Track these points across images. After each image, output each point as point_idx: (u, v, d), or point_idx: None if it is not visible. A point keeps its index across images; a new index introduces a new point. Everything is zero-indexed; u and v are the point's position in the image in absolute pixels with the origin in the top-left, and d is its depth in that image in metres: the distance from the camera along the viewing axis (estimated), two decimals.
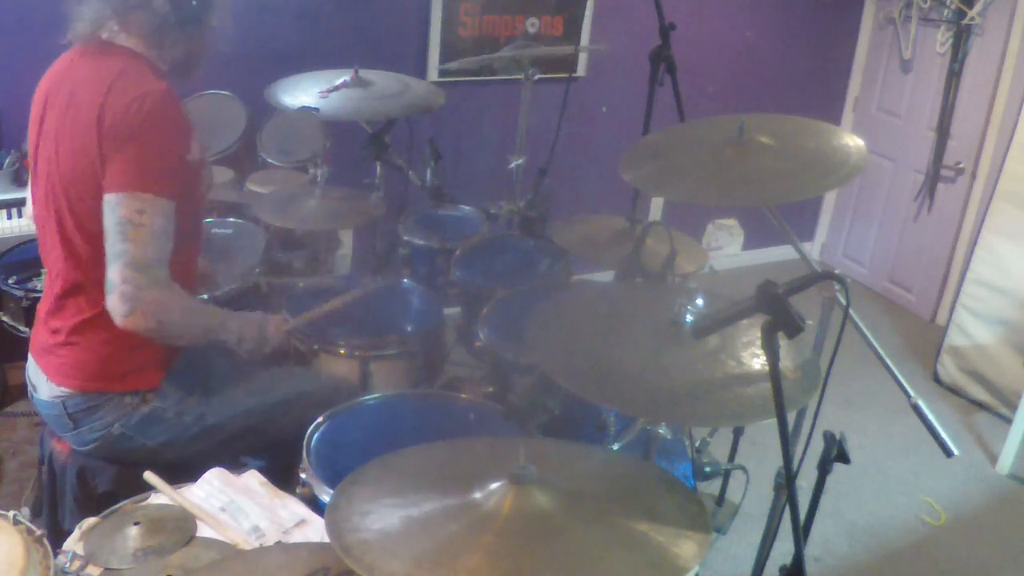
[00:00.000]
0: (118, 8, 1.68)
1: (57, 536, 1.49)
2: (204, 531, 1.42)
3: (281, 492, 1.55)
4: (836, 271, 1.48)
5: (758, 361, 1.51)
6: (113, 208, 1.62)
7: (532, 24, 3.61)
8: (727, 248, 4.66)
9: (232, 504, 1.49)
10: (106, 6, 1.68)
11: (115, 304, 1.62)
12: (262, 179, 2.83)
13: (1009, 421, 3.17)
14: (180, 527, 1.40)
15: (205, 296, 2.19)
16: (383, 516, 1.11)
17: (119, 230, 1.61)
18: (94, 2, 1.69)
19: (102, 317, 1.68)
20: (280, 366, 2.07)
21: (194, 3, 1.71)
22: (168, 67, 1.77)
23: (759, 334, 1.22)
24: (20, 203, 2.64)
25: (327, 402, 1.85)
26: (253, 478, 1.58)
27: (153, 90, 1.65)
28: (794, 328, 1.21)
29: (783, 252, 4.59)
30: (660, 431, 1.86)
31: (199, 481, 1.56)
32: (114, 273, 1.62)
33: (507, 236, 2.76)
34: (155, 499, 1.50)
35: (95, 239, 1.67)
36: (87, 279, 1.72)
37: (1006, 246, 3.41)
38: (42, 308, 1.84)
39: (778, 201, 1.85)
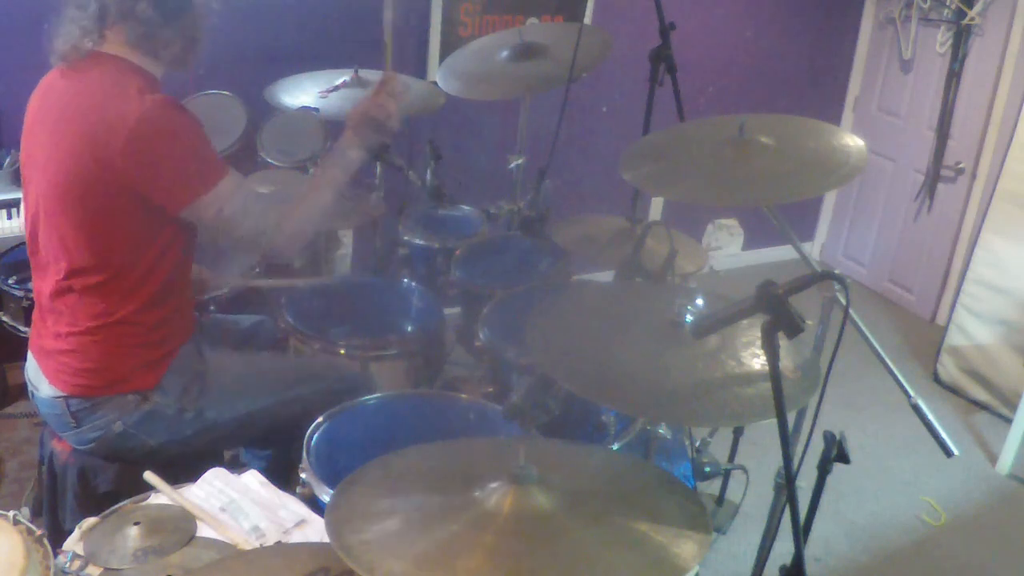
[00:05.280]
0: (95, 24, 1.64)
1: (57, 536, 1.48)
2: (204, 531, 1.42)
3: (281, 492, 1.56)
4: (836, 271, 1.48)
5: (758, 361, 1.51)
6: (196, 218, 1.70)
7: (532, 24, 3.60)
8: (727, 248, 4.65)
9: (232, 504, 1.49)
10: (81, 23, 1.65)
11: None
12: (262, 179, 2.83)
13: (1009, 421, 3.17)
14: (180, 527, 1.40)
15: (205, 297, 2.20)
16: (383, 516, 1.11)
17: (215, 230, 1.72)
18: (69, 20, 1.66)
19: (97, 323, 1.69)
20: (284, 358, 2.07)
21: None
22: (164, 66, 1.73)
23: (759, 334, 1.22)
24: (20, 203, 2.64)
25: (329, 397, 1.85)
26: (253, 478, 1.58)
27: (150, 107, 1.60)
28: (794, 328, 1.21)
29: (783, 252, 4.58)
30: (660, 431, 1.86)
31: (199, 481, 1.56)
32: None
33: (507, 236, 2.76)
34: (155, 499, 1.50)
35: (88, 248, 1.67)
36: (81, 285, 1.71)
37: (1006, 246, 3.41)
38: (37, 312, 1.84)
39: (778, 201, 1.85)
